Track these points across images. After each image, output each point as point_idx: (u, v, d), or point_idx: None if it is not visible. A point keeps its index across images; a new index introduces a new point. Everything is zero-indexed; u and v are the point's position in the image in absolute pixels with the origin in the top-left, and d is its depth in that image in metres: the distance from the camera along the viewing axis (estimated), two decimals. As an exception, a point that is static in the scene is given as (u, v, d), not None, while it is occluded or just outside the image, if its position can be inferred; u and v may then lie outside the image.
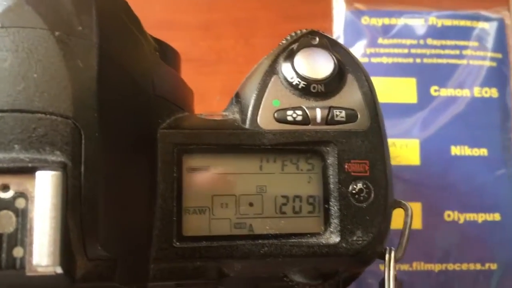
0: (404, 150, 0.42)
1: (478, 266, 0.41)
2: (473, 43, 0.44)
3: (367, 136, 0.24)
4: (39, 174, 0.18)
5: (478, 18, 0.45)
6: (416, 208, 0.41)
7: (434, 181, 0.41)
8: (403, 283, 0.26)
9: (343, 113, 0.24)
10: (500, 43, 0.45)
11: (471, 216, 0.41)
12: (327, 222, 0.24)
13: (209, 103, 0.41)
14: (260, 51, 0.26)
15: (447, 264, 0.41)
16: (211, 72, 0.43)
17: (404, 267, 0.41)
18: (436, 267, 0.41)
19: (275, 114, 0.24)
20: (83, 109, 0.19)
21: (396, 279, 0.25)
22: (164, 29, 0.44)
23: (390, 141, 0.41)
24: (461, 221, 0.41)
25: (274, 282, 0.25)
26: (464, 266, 0.41)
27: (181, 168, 0.23)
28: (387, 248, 0.25)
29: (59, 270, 0.18)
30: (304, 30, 0.26)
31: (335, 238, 0.23)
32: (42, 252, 0.17)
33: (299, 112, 0.24)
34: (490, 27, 0.45)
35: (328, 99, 0.24)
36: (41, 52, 0.19)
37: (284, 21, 0.45)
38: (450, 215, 0.41)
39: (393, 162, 0.41)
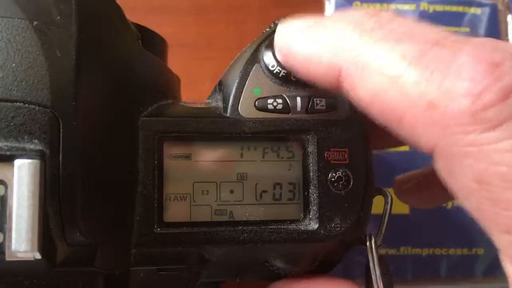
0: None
1: (465, 251, 0.41)
2: (464, 29, 0.44)
3: (347, 124, 0.24)
4: (17, 162, 0.18)
5: (470, 3, 0.45)
6: (404, 193, 0.41)
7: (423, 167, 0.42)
8: (389, 264, 0.27)
9: (323, 102, 0.24)
10: (492, 29, 0.44)
11: (459, 202, 0.42)
12: (306, 209, 0.24)
13: (200, 88, 0.41)
14: (251, 37, 0.26)
15: (434, 249, 0.41)
16: (203, 57, 0.44)
17: (392, 251, 0.41)
18: (424, 252, 0.41)
19: (256, 103, 0.24)
20: (61, 98, 0.19)
21: (383, 261, 0.25)
22: (156, 15, 0.44)
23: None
24: (449, 206, 0.42)
25: (256, 268, 0.26)
26: (451, 251, 0.41)
27: (162, 155, 0.23)
28: (367, 234, 0.25)
29: (38, 255, 0.18)
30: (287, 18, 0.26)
31: (313, 225, 0.24)
32: (20, 238, 0.18)
33: (280, 101, 0.24)
34: (482, 13, 0.44)
35: (308, 88, 0.24)
36: (20, 41, 0.19)
37: (275, 6, 0.45)
38: (438, 201, 0.42)
39: (383, 152, 0.42)
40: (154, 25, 0.28)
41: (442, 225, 0.41)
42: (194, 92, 0.32)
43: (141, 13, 0.29)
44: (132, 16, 0.26)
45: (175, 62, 0.31)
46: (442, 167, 0.18)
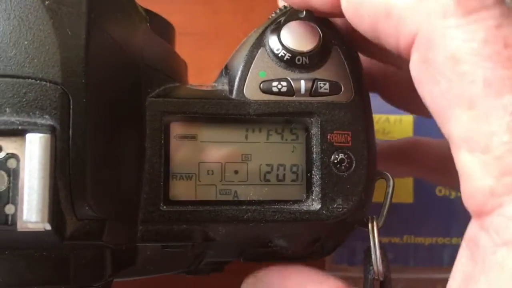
0: (397, 126, 0.42)
1: (468, 241, 0.42)
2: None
3: (350, 107, 0.25)
4: (29, 136, 0.19)
5: None
6: (408, 182, 0.42)
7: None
8: (387, 252, 0.27)
9: (327, 85, 0.25)
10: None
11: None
12: (309, 190, 0.25)
13: (207, 76, 0.41)
14: (258, 26, 0.27)
15: (437, 238, 0.42)
16: (210, 46, 0.44)
17: (395, 240, 0.42)
18: (427, 241, 0.42)
19: (261, 85, 0.25)
20: (71, 76, 0.20)
21: (382, 246, 0.26)
22: (163, 3, 0.44)
23: (384, 116, 0.42)
24: (453, 196, 0.42)
25: (260, 248, 0.26)
26: (454, 240, 0.42)
27: (168, 135, 0.24)
28: (369, 216, 0.26)
29: (48, 227, 0.19)
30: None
31: (316, 205, 0.24)
32: (31, 209, 0.18)
33: (284, 84, 0.24)
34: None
35: (312, 71, 0.25)
36: (32, 20, 0.20)
37: (282, -5, 0.45)
38: (442, 190, 0.42)
39: (387, 137, 0.42)
40: (161, 14, 0.29)
41: (445, 214, 0.42)
42: (201, 80, 0.32)
43: (149, 2, 0.29)
44: (140, 3, 0.26)
45: (182, 50, 0.31)
46: (417, 60, 0.20)
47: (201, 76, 0.35)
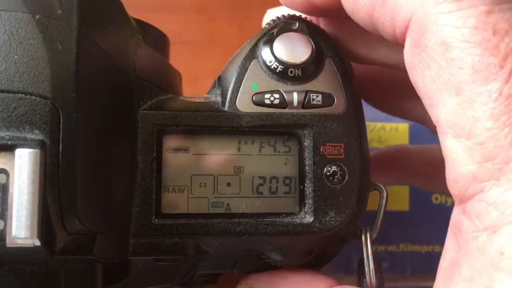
0: (393, 134, 0.42)
1: (464, 249, 0.42)
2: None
3: (343, 119, 0.25)
4: (18, 151, 0.19)
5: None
6: (404, 190, 0.42)
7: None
8: (381, 262, 0.27)
9: (320, 97, 0.25)
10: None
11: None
12: (302, 203, 0.25)
13: (202, 85, 0.41)
14: (253, 34, 0.27)
15: (434, 246, 0.42)
16: (205, 54, 0.44)
17: (391, 248, 0.42)
18: (423, 249, 0.42)
19: (253, 97, 0.24)
20: (61, 90, 0.20)
21: (375, 257, 0.26)
22: (159, 12, 0.45)
23: (379, 124, 0.42)
24: (449, 204, 0.42)
25: (252, 260, 0.26)
26: (450, 249, 0.41)
27: (160, 148, 0.24)
28: (363, 228, 0.26)
29: (37, 242, 0.19)
30: (286, 15, 0.27)
31: (309, 218, 0.24)
32: (20, 225, 0.18)
33: (277, 96, 0.24)
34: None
35: (305, 83, 0.25)
36: (22, 34, 0.20)
37: (278, 4, 0.45)
38: (438, 198, 0.42)
39: (383, 145, 0.42)
40: (157, 22, 0.29)
41: (441, 222, 0.41)
42: (196, 89, 0.32)
43: (144, 11, 0.29)
44: (136, 13, 0.26)
45: (177, 59, 0.31)
46: (411, 44, 0.21)
47: (196, 84, 0.35)
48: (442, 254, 0.21)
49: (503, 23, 0.18)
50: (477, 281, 0.18)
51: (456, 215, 0.20)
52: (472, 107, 0.18)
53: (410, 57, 0.21)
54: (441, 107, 0.19)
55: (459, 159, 0.19)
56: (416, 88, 0.21)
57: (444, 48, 0.19)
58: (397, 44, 0.22)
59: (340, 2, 0.23)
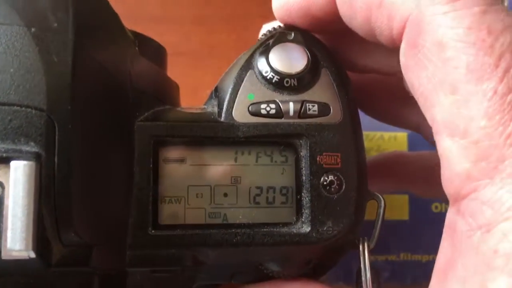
0: (392, 143, 0.42)
1: (465, 258, 0.41)
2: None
3: (339, 129, 0.25)
4: (13, 164, 0.19)
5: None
6: (403, 199, 0.42)
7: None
8: (380, 271, 0.27)
9: (316, 107, 0.25)
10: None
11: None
12: (299, 213, 0.24)
13: (200, 96, 0.41)
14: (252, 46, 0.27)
15: (434, 255, 0.41)
16: (204, 66, 0.44)
17: (392, 257, 0.41)
18: (423, 258, 0.41)
19: (250, 108, 0.25)
20: (57, 102, 0.20)
21: (373, 268, 0.25)
22: (158, 24, 0.45)
23: (378, 134, 0.42)
24: (449, 213, 0.42)
25: (250, 271, 0.26)
26: (451, 258, 0.41)
27: (157, 159, 0.24)
28: (361, 238, 0.26)
29: (32, 254, 0.19)
30: (282, 25, 0.27)
31: (306, 228, 0.24)
32: (15, 237, 0.18)
33: (273, 106, 0.24)
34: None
35: (301, 93, 0.25)
36: (18, 47, 0.20)
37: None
38: (438, 207, 0.42)
39: (382, 154, 0.42)
40: (156, 34, 0.29)
41: (441, 231, 0.41)
42: (195, 100, 0.32)
43: (143, 22, 0.29)
44: (134, 25, 0.26)
45: (176, 70, 0.32)
46: (407, 45, 0.21)
47: (195, 96, 0.35)
48: (437, 255, 0.21)
49: (497, 23, 0.19)
50: (470, 280, 0.18)
51: (450, 215, 0.20)
52: (467, 106, 0.18)
53: (406, 58, 0.21)
54: (437, 106, 0.20)
55: (454, 158, 0.19)
56: (412, 90, 0.21)
57: (439, 48, 0.19)
58: (394, 48, 0.22)
59: (336, 9, 0.23)
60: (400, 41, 0.21)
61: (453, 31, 0.19)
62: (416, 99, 0.21)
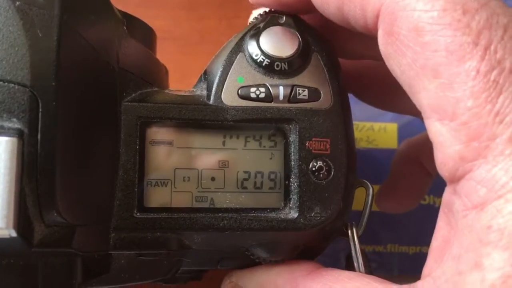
0: (382, 134, 0.42)
1: (452, 250, 0.41)
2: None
3: (329, 114, 0.24)
4: (-5, 139, 0.18)
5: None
6: (392, 191, 0.41)
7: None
8: (367, 253, 0.27)
9: (306, 92, 0.24)
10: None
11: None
12: (287, 198, 0.24)
13: (190, 82, 0.41)
14: (243, 32, 0.27)
15: (421, 246, 0.41)
16: (194, 52, 0.44)
17: (379, 248, 0.41)
18: (411, 250, 0.41)
19: (239, 91, 0.24)
20: (41, 78, 0.19)
21: (364, 252, 0.25)
22: (148, 8, 0.44)
23: (368, 124, 0.42)
24: (437, 204, 0.42)
25: (237, 257, 0.26)
26: (438, 250, 0.41)
27: (144, 141, 0.23)
28: (349, 223, 0.26)
29: (13, 233, 0.18)
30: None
31: (293, 214, 0.24)
32: (-5, 215, 0.18)
33: (262, 90, 0.24)
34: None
35: (291, 78, 0.24)
36: (1, 21, 0.19)
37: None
38: (426, 199, 0.42)
39: (371, 145, 0.42)
40: (146, 18, 0.28)
41: (429, 223, 0.41)
42: (184, 86, 0.32)
43: (133, 6, 0.29)
44: (125, 8, 0.26)
45: (166, 55, 0.31)
46: (383, 34, 0.21)
47: (184, 81, 0.35)
48: (434, 234, 0.21)
49: (472, 2, 0.19)
50: (464, 257, 0.18)
51: (447, 195, 0.20)
52: (452, 88, 0.18)
53: (385, 47, 0.21)
54: (422, 92, 0.19)
55: (445, 141, 0.19)
56: (396, 77, 0.21)
57: (416, 33, 0.19)
58: (371, 36, 0.22)
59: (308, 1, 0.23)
60: (376, 30, 0.21)
61: (427, 14, 0.19)
62: (402, 85, 0.21)
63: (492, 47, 0.18)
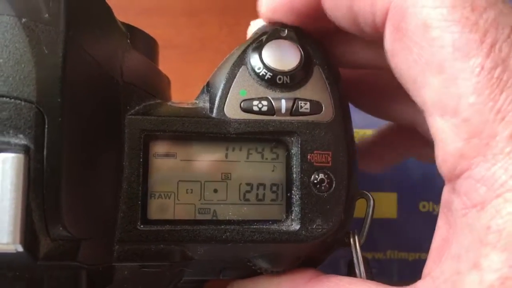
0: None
1: (451, 257, 0.42)
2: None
3: (331, 127, 0.25)
4: (1, 156, 0.18)
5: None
6: (392, 198, 0.42)
7: (410, 173, 0.42)
8: (369, 260, 0.27)
9: (308, 105, 0.25)
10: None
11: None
12: (288, 210, 0.24)
13: (192, 90, 0.41)
14: (244, 40, 0.27)
15: (421, 253, 0.42)
16: (195, 59, 0.44)
17: (379, 255, 0.42)
18: (410, 256, 0.42)
19: (242, 104, 0.24)
20: (47, 94, 0.19)
21: (366, 260, 0.26)
22: (149, 16, 0.44)
23: (368, 131, 0.42)
24: (436, 211, 0.42)
25: (239, 267, 0.26)
26: (437, 256, 0.42)
27: (147, 153, 0.24)
28: (350, 232, 0.26)
29: (19, 248, 0.19)
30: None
31: (295, 226, 0.24)
32: (2, 230, 0.18)
33: (265, 103, 0.24)
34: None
35: (293, 91, 0.25)
36: (8, 38, 0.19)
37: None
38: (425, 206, 0.42)
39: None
40: (146, 26, 0.29)
41: (428, 230, 0.41)
42: (185, 94, 0.32)
43: (134, 14, 0.29)
44: (125, 17, 0.26)
45: (167, 63, 0.31)
46: (391, 30, 0.21)
47: (186, 89, 0.35)
48: (434, 235, 0.21)
49: (480, 1, 0.19)
50: (464, 257, 0.18)
51: (446, 194, 0.20)
52: (456, 84, 0.18)
53: (391, 43, 0.21)
54: (426, 87, 0.20)
55: (447, 138, 0.19)
56: (399, 76, 0.21)
57: (424, 29, 0.19)
58: (378, 37, 0.22)
59: (320, 3, 0.24)
60: (383, 28, 0.21)
61: (436, 10, 0.19)
62: (405, 85, 0.21)
63: (498, 45, 0.18)
